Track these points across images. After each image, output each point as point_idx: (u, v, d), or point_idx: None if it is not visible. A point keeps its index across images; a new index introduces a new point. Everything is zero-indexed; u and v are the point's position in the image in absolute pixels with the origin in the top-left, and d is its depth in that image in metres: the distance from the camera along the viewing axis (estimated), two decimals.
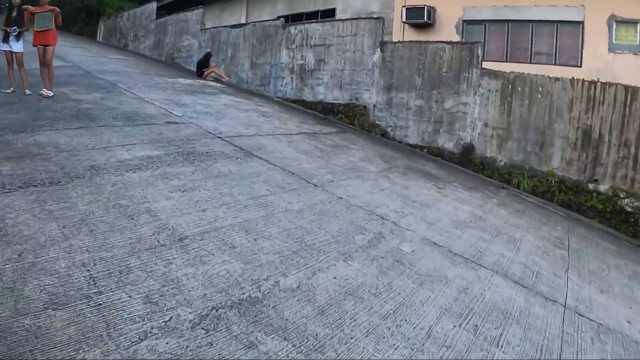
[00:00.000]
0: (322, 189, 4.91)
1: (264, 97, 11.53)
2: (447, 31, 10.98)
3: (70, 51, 14.74)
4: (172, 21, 16.99)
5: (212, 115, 7.67)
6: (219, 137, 6.27)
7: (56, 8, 7.23)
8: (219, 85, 12.17)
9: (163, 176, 4.29)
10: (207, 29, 14.81)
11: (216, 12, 18.39)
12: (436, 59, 8.83)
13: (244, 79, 12.89)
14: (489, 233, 4.85)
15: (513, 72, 8.12)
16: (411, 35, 11.40)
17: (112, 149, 4.89)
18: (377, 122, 9.58)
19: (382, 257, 3.60)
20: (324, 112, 10.34)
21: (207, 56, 13.58)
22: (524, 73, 8.04)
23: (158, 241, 3.10)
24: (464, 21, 10.98)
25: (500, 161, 8.19)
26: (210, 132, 6.43)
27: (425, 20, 10.94)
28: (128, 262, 2.80)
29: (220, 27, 14.44)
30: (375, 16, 10.51)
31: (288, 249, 3.35)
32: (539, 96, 7.87)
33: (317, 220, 4.00)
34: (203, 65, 13.35)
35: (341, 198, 4.75)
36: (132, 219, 3.36)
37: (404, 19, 11.21)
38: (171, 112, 7.29)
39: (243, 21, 15.51)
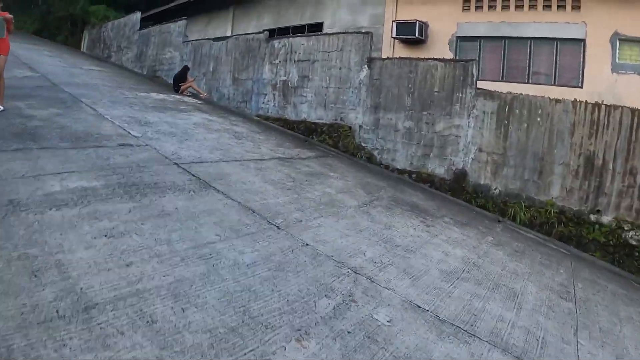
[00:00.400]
0: (285, 233, 4.23)
1: (242, 115, 11.04)
2: (439, 48, 10.50)
3: (45, 60, 14.37)
4: (155, 32, 16.50)
5: (175, 136, 7.12)
6: (175, 163, 5.67)
7: (8, 15, 6.57)
8: (195, 101, 11.64)
9: (92, 215, 3.63)
10: (190, 41, 14.32)
11: (202, 25, 18.01)
12: (427, 77, 8.29)
13: (225, 94, 12.33)
14: (484, 286, 4.18)
15: (510, 93, 7.59)
16: (402, 51, 10.91)
17: (44, 178, 4.24)
18: (362, 145, 9.00)
19: (349, 333, 2.89)
20: (307, 132, 9.77)
21: (185, 70, 13.06)
22: (522, 94, 7.51)
23: (57, 311, 2.44)
24: (457, 37, 10.51)
25: (495, 189, 7.61)
26: (166, 157, 5.83)
27: (417, 36, 10.46)
28: (9, 343, 2.16)
29: (202, 39, 13.93)
30: (363, 31, 9.97)
31: (225, 324, 2.65)
32: (538, 119, 7.34)
33: (272, 279, 3.29)
34: (180, 79, 12.83)
35: (307, 245, 4.06)
36: (35, 276, 2.71)
37: (394, 35, 10.73)
38: (129, 133, 6.67)
39: (229, 34, 14.97)
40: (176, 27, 15.10)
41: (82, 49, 23.62)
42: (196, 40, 14.19)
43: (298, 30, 13.16)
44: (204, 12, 18.06)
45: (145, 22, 18.01)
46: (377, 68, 8.94)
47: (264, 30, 11.72)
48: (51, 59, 15.52)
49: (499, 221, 6.98)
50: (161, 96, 11.27)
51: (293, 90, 10.38)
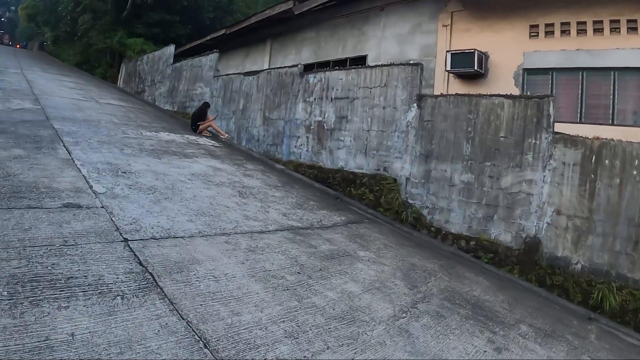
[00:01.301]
0: None
1: (264, 162, 10.21)
2: (502, 83, 9.25)
3: (61, 92, 14.44)
4: (186, 67, 16.11)
5: (153, 193, 6.03)
6: (125, 239, 4.34)
7: None
8: (212, 143, 10.96)
9: None
10: (220, 76, 13.71)
11: (239, 59, 17.56)
12: (491, 118, 7.04)
13: (255, 136, 11.47)
14: None
15: (598, 138, 6.23)
16: (457, 87, 9.74)
17: None
18: (409, 202, 7.77)
19: None
20: (344, 184, 8.70)
21: (204, 107, 12.38)
22: (613, 140, 6.13)
23: None
24: (524, 70, 9.25)
25: (577, 264, 6.18)
26: (117, 229, 4.52)
27: (476, 68, 9.29)
28: None
29: (232, 74, 13.24)
30: (416, 61, 8.85)
31: None
32: (635, 173, 5.91)
33: None
34: (198, 117, 12.16)
35: None
36: None
37: (448, 68, 9.60)
38: (90, 187, 5.65)
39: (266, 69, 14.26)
40: (207, 60, 14.56)
41: (118, 83, 23.93)
42: (226, 75, 13.55)
43: (339, 64, 12.27)
44: (242, 46, 17.74)
45: (182, 57, 17.61)
46: (428, 107, 7.77)
47: (298, 64, 10.78)
48: (70, 91, 15.57)
49: (590, 318, 5.51)
50: (171, 137, 10.72)
51: (329, 133, 9.36)
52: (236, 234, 5.32)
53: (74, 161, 6.58)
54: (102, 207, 5.06)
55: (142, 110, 14.84)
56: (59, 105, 11.48)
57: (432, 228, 7.41)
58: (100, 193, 5.49)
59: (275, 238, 5.47)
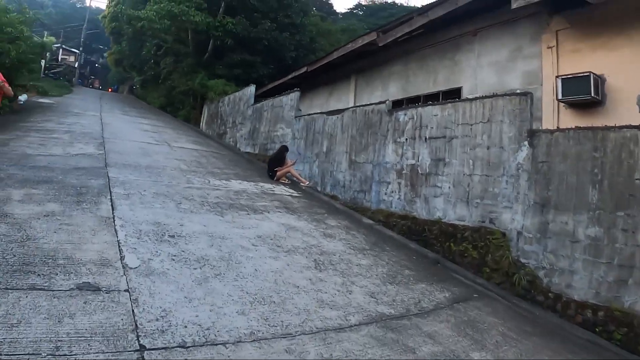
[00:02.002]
0: None
1: (350, 215, 9.77)
2: (623, 110, 8.10)
3: (132, 135, 15.23)
4: (267, 107, 16.29)
5: (202, 267, 5.21)
6: (142, 345, 3.41)
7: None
8: (290, 192, 10.78)
9: None
10: (302, 116, 13.62)
11: (323, 98, 17.54)
12: (623, 156, 6.09)
13: (340, 181, 11.09)
14: None
15: None
16: (570, 118, 8.77)
17: None
18: (521, 261, 6.90)
19: None
20: (443, 238, 8.02)
21: (282, 151, 12.20)
22: None
23: None
24: None
25: None
26: (136, 328, 3.62)
27: (593, 95, 8.22)
28: None
29: (314, 113, 13.03)
30: (518, 91, 8.05)
31: None
32: None
33: None
34: (276, 162, 12.00)
35: None
36: None
37: (559, 96, 8.65)
38: (121, 259, 4.94)
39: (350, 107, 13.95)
40: (288, 100, 14.56)
41: (201, 125, 24.90)
42: (308, 114, 13.42)
43: (430, 99, 11.66)
44: (325, 84, 17.82)
45: (264, 97, 17.93)
46: (542, 145, 6.95)
47: (386, 100, 10.30)
48: (143, 134, 16.43)
49: None
50: (243, 185, 10.63)
51: (424, 179, 8.76)
52: (304, 334, 4.20)
53: (114, 220, 6.18)
54: (127, 290, 4.25)
55: (217, 155, 15.12)
56: (125, 150, 11.82)
57: (549, 294, 6.47)
58: (131, 267, 4.78)
59: (357, 339, 4.30)
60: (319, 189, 11.84)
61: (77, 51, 54.32)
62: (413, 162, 9.06)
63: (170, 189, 8.69)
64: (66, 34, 63.51)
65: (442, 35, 12.17)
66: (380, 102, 10.44)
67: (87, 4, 63.09)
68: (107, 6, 37.48)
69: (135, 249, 5.33)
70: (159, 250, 5.45)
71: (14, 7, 17.53)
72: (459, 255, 7.60)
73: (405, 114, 9.52)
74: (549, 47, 9.61)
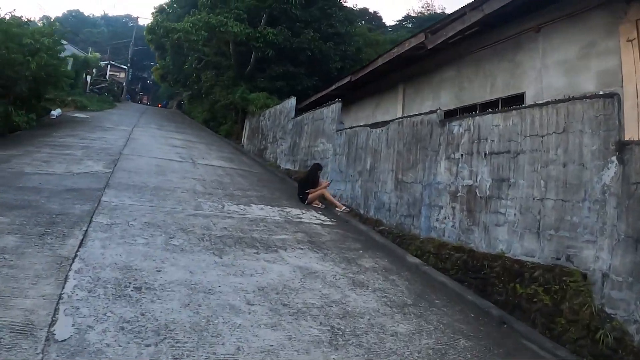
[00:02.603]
0: None
1: (390, 251, 8.50)
2: None
3: (154, 152, 14.77)
4: (307, 120, 15.39)
5: (159, 345, 3.77)
6: None
7: None
8: (321, 220, 9.74)
9: None
10: (343, 129, 12.53)
11: (369, 110, 16.59)
12: None
13: (385, 203, 9.95)
14: None
15: None
16: None
17: None
18: (607, 311, 5.46)
19: None
20: (506, 277, 6.65)
21: (314, 170, 11.21)
22: None
23: None
24: None
25: None
26: None
27: None
28: None
29: (357, 126, 11.94)
30: (601, 92, 6.66)
31: None
32: None
33: None
34: (307, 183, 10.95)
35: None
36: None
37: None
38: (52, 322, 3.77)
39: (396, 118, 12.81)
40: (329, 112, 13.55)
41: (242, 140, 24.64)
42: (350, 127, 12.33)
43: (487, 108, 10.20)
44: (371, 95, 16.87)
45: (306, 111, 16.95)
46: (636, 161, 5.54)
47: (437, 109, 9.07)
48: (170, 149, 16.02)
49: None
50: (264, 211, 9.59)
51: (483, 203, 7.45)
52: None
53: (72, 263, 5.09)
54: None
55: (245, 173, 14.44)
56: (138, 168, 11.24)
57: None
58: (58, 340, 3.53)
59: None
60: (361, 211, 10.70)
61: (125, 67, 55.71)
62: (470, 182, 7.76)
63: (169, 218, 7.71)
64: (117, 51, 65.51)
65: (500, 33, 10.92)
66: (430, 112, 9.19)
67: (138, 22, 64.78)
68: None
69: (77, 308, 4.10)
70: (109, 313, 4.13)
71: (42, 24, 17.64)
72: (527, 300, 6.19)
73: (460, 125, 8.25)
74: (628, 40, 8.14)
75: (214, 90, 27.75)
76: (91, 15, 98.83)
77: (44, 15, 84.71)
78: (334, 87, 17.66)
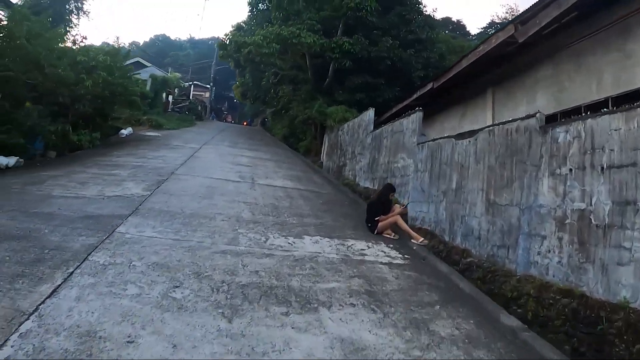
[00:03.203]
0: None
1: (479, 307, 6.51)
2: None
3: (213, 171, 14.17)
4: (386, 133, 14.23)
5: None
6: None
7: None
8: (388, 259, 8.18)
9: None
10: (426, 142, 11.13)
11: (455, 120, 15.14)
12: None
13: (473, 230, 8.50)
14: None
15: None
16: None
17: None
18: None
19: None
20: (630, 335, 4.97)
21: (385, 193, 10.07)
22: None
23: None
24: None
25: None
26: None
27: None
28: None
29: (440, 138, 10.50)
30: None
31: None
32: None
33: None
34: (377, 209, 9.69)
35: None
36: None
37: None
38: None
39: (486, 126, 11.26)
40: (409, 123, 12.28)
41: (321, 156, 24.05)
42: (433, 140, 10.90)
43: (594, 110, 8.37)
44: (456, 103, 15.40)
45: (386, 124, 15.81)
46: None
47: (536, 112, 7.53)
48: (232, 168, 15.39)
49: None
50: (318, 245, 8.17)
51: (600, 233, 5.84)
52: None
53: (26, 319, 4.16)
54: None
55: (311, 194, 13.36)
56: (183, 191, 10.48)
57: None
58: None
59: None
60: (445, 238, 9.24)
61: (209, 87, 57.21)
62: (582, 205, 6.15)
63: (188, 257, 6.51)
64: (202, 71, 67.62)
65: (602, 18, 9.20)
66: (527, 117, 7.64)
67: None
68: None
69: None
70: None
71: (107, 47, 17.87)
72: None
73: (566, 132, 6.69)
74: None
75: (292, 105, 27.43)
76: (177, 39, 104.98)
77: (133, 41, 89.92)
78: (415, 95, 16.30)
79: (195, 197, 10.17)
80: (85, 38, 16.88)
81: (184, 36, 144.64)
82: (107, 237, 6.77)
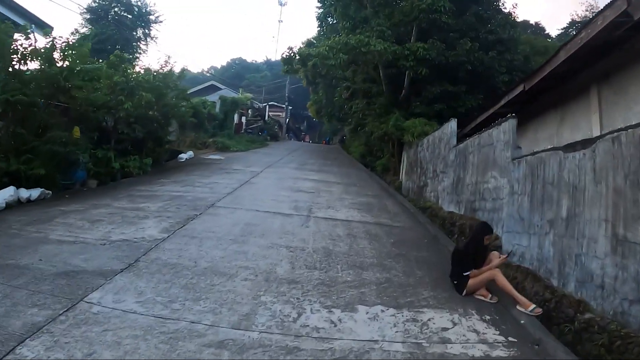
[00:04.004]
0: None
1: None
2: None
3: (262, 202, 12.76)
4: (472, 147, 12.25)
5: None
6: None
7: None
8: (484, 345, 5.47)
9: None
10: (523, 156, 9.11)
11: (551, 129, 12.85)
12: None
13: (593, 274, 6.39)
14: None
15: None
16: None
17: None
18: None
19: None
20: None
21: (479, 236, 7.69)
22: None
23: None
24: None
25: None
26: None
27: None
28: None
29: (542, 151, 8.40)
30: None
31: None
32: None
33: None
34: (467, 259, 7.41)
35: None
36: None
37: None
38: None
39: (595, 135, 8.94)
40: (500, 133, 10.28)
41: (400, 176, 22.56)
42: (532, 154, 8.77)
43: None
44: (552, 107, 13.03)
45: (471, 136, 13.83)
46: None
47: None
48: (288, 196, 14.03)
49: None
50: (376, 325, 5.78)
51: None
52: None
53: None
54: None
55: (380, 230, 11.24)
56: (211, 232, 9.04)
57: None
58: None
59: None
60: (553, 282, 7.15)
61: (283, 106, 57.83)
62: None
63: (160, 353, 4.43)
64: (278, 91, 68.64)
65: None
66: None
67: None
68: None
69: None
70: None
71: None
72: None
73: None
74: None
75: (367, 121, 26.14)
76: (254, 61, 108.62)
77: (211, 66, 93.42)
78: (502, 102, 14.05)
79: (222, 241, 8.52)
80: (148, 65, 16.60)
81: (260, 58, 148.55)
82: (66, 310, 5.14)
